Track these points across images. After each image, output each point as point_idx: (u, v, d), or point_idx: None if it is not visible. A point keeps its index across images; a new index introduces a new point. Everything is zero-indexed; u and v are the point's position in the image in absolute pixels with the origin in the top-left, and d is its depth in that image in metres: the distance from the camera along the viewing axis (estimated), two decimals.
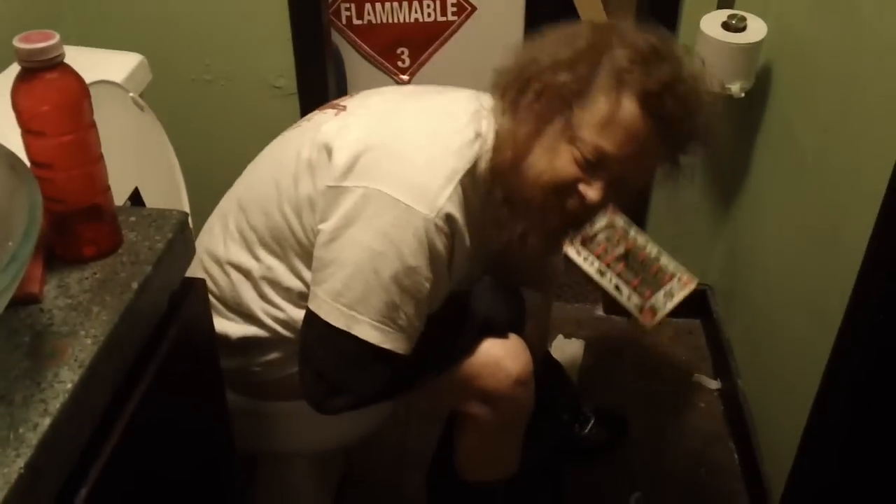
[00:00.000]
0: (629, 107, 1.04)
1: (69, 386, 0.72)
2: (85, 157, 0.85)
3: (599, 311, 2.24)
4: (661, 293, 1.56)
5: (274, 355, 1.26)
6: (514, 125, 1.09)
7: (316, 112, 1.25)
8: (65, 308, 0.81)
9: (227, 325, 1.24)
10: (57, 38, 0.80)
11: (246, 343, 1.25)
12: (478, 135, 1.12)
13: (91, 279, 0.85)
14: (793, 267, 1.59)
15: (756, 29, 1.68)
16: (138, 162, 1.40)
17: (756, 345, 1.83)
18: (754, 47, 1.67)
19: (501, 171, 1.11)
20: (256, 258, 1.21)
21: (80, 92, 0.83)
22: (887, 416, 1.28)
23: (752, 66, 1.70)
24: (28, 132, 0.82)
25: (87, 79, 0.85)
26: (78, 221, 0.86)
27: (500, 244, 1.17)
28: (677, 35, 1.79)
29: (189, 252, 0.97)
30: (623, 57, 1.05)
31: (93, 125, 0.86)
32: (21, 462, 0.64)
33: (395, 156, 1.08)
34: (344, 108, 1.19)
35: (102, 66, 1.42)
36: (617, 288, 1.54)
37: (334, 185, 1.09)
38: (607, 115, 1.05)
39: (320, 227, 1.10)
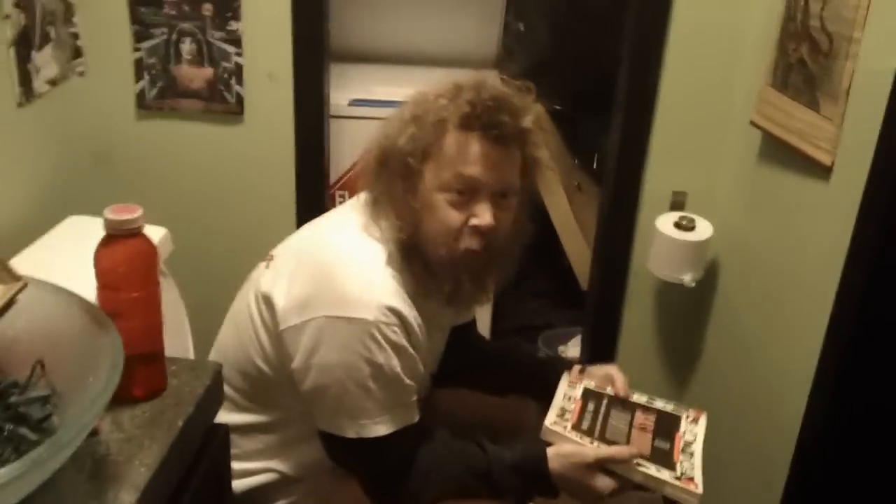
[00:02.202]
0: (457, 133, 1.21)
1: None
2: (148, 311, 1.02)
3: None
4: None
5: None
6: (392, 204, 1.25)
7: (257, 266, 1.41)
8: (119, 441, 0.95)
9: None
10: (140, 211, 0.99)
11: (249, 496, 1.36)
12: (371, 227, 1.27)
13: (141, 417, 0.99)
14: (743, 439, 1.76)
15: (703, 228, 1.94)
16: None
17: None
18: (702, 244, 1.92)
19: (407, 247, 1.25)
20: (246, 412, 1.35)
21: (152, 257, 1.01)
22: None
23: (701, 259, 1.95)
24: (104, 287, 0.99)
25: None
26: (134, 365, 0.99)
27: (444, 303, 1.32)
28: (635, 232, 2.05)
29: (220, 397, 1.12)
30: (437, 103, 1.24)
31: (158, 284, 1.03)
32: None
33: (324, 282, 1.22)
34: (272, 258, 1.36)
35: None
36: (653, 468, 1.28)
37: (288, 327, 1.23)
38: (448, 150, 1.21)
39: (293, 366, 1.25)
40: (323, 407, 1.26)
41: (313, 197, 2.06)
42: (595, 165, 2.97)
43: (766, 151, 1.72)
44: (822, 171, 1.42)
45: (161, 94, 1.95)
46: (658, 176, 2.00)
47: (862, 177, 1.27)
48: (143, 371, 1.02)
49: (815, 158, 1.44)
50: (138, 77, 1.94)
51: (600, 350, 2.22)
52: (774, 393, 1.58)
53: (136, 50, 1.92)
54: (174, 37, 1.89)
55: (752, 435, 1.70)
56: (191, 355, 1.71)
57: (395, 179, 1.25)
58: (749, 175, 1.81)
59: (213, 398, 1.08)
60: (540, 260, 3.03)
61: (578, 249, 2.82)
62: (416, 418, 1.29)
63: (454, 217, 1.23)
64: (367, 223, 1.28)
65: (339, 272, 1.23)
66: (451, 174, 1.22)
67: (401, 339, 1.22)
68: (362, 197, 1.32)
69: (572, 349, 2.50)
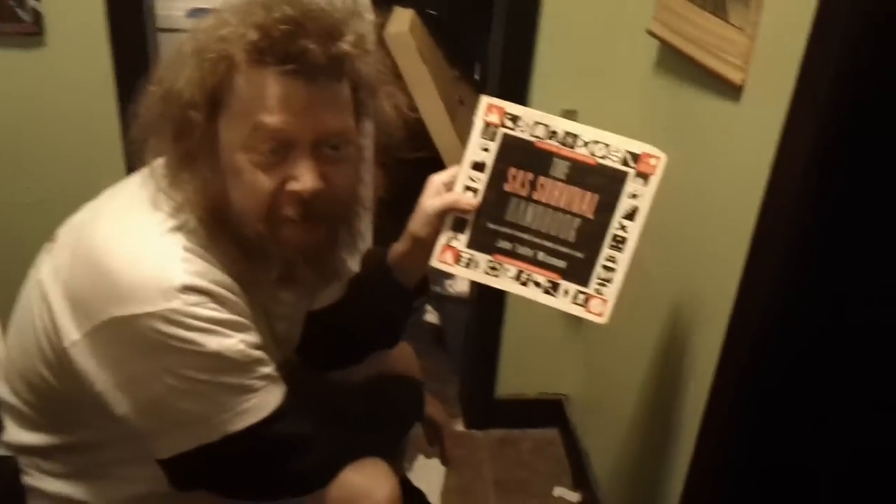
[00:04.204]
0: (249, 72, 0.94)
1: None
2: None
3: (459, 427, 2.20)
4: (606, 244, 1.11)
5: None
6: (183, 171, 0.98)
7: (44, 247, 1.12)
8: None
9: None
10: None
11: None
12: (161, 199, 1.00)
13: None
14: (645, 380, 1.62)
15: None
16: None
17: (614, 455, 1.83)
18: None
19: (213, 224, 0.99)
20: (42, 432, 1.09)
21: None
22: None
23: None
24: None
25: None
26: None
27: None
28: None
29: None
30: (219, 32, 0.95)
31: None
32: None
33: (102, 277, 0.95)
34: (55, 239, 1.08)
35: None
36: (536, 285, 1.14)
37: (72, 342, 0.97)
38: (241, 96, 0.94)
39: (97, 389, 0.98)
40: (162, 424, 1.00)
41: None
42: (477, 76, 2.72)
43: (666, 65, 1.51)
44: (732, 91, 1.22)
45: None
46: (545, 92, 1.78)
47: (778, 99, 1.07)
48: None
49: (722, 75, 1.24)
50: None
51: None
52: (681, 335, 1.42)
53: None
54: None
55: (656, 384, 1.56)
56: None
57: (179, 139, 0.96)
58: (646, 93, 1.61)
59: None
60: (423, 179, 2.82)
61: None
62: (285, 388, 1.06)
63: (263, 182, 0.96)
64: (157, 194, 1.00)
65: (119, 261, 0.94)
66: (250, 127, 0.94)
67: (223, 313, 0.97)
68: (157, 165, 1.02)
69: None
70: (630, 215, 1.09)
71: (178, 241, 0.97)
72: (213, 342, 0.95)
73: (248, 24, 0.93)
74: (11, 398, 1.09)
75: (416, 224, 1.14)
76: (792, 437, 1.22)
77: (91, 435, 1.07)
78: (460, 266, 1.14)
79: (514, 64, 1.78)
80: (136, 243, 0.97)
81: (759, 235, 1.13)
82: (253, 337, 1.01)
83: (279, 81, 0.93)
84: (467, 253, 1.13)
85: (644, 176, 1.08)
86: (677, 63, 1.44)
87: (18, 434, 1.09)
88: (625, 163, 1.09)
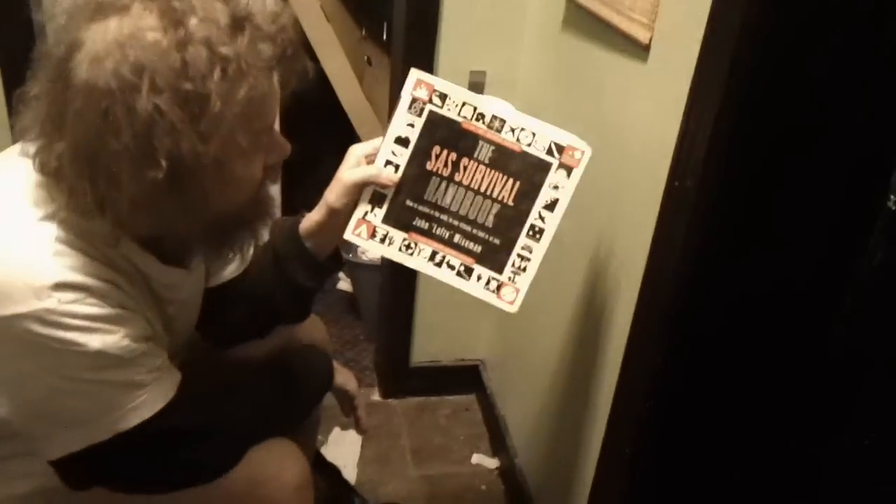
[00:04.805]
0: (258, 90, 0.87)
1: None
2: None
3: (375, 396, 2.16)
4: (524, 232, 1.11)
5: None
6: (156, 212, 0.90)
7: None
8: None
9: None
10: None
11: None
12: (41, 192, 0.91)
13: None
14: (561, 344, 1.61)
15: None
16: None
17: (531, 419, 1.83)
18: None
19: (195, 214, 0.93)
20: None
21: None
22: (663, 492, 1.31)
23: None
24: None
25: None
26: None
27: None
28: None
29: None
30: (196, 71, 0.82)
31: None
32: None
33: None
34: None
35: None
36: (450, 267, 1.12)
37: None
38: (244, 114, 0.86)
39: None
40: (48, 426, 0.95)
41: None
42: (385, 36, 2.64)
43: (575, 24, 1.48)
44: (639, 50, 1.19)
45: None
46: (453, 52, 1.73)
47: (685, 58, 1.05)
48: None
49: (629, 34, 1.21)
50: None
51: None
52: (598, 301, 1.41)
53: None
54: None
55: (573, 350, 1.55)
56: None
57: (183, 191, 0.87)
58: (555, 52, 1.58)
59: None
60: (332, 143, 2.73)
61: (373, 131, 2.56)
62: (179, 376, 1.02)
63: (259, 170, 0.97)
64: (30, 180, 0.90)
65: None
66: (254, 135, 0.90)
67: (103, 308, 0.90)
68: (33, 152, 0.89)
69: None
70: (550, 206, 1.09)
71: (50, 233, 0.89)
72: (96, 340, 0.90)
73: (243, 47, 0.84)
74: None
75: (333, 195, 1.10)
76: (709, 397, 1.23)
77: None
78: (375, 241, 1.11)
79: (419, 23, 1.71)
80: (1, 235, 0.89)
81: (669, 193, 1.11)
82: (139, 329, 0.95)
83: (270, 80, 0.90)
84: (383, 228, 1.10)
85: (567, 168, 1.08)
86: (585, 21, 1.40)
87: None
88: (549, 152, 1.08)
